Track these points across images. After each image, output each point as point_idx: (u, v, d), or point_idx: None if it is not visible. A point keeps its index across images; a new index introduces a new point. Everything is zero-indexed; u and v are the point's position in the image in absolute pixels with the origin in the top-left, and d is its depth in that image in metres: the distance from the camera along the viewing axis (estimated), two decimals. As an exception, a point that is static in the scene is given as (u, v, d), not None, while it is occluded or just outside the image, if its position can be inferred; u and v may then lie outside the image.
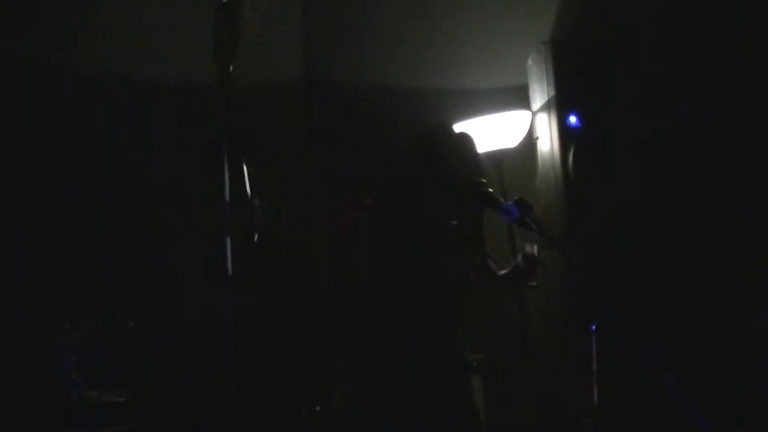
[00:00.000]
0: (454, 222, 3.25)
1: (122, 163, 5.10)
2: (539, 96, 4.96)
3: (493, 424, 4.66)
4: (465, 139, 3.54)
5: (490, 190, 3.29)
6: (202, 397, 4.98)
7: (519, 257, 3.45)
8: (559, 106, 4.82)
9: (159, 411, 4.81)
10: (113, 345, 4.30)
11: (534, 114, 5.00)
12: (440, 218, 3.28)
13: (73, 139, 4.97)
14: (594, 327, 3.40)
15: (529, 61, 5.07)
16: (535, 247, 3.43)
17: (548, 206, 4.77)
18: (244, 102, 5.45)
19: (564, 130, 4.80)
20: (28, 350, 4.21)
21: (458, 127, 4.96)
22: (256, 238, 2.87)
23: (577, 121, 4.78)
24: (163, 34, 5.32)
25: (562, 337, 4.36)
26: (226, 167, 2.63)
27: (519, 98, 5.12)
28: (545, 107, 4.90)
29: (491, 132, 4.90)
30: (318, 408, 4.47)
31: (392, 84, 5.44)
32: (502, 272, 3.49)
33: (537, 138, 4.98)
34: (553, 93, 4.86)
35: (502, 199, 3.28)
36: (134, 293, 4.84)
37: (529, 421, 4.42)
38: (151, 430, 4.70)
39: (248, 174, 2.79)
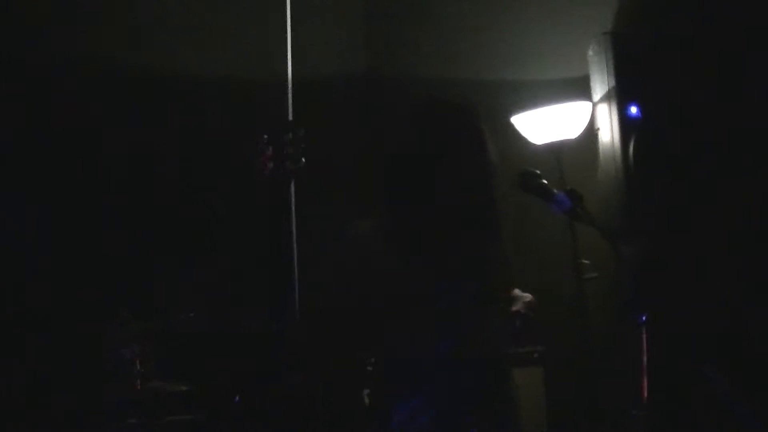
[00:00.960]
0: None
1: (171, 156, 5.21)
2: (600, 87, 4.93)
3: (555, 416, 4.69)
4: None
5: (544, 181, 3.29)
6: (263, 388, 5.06)
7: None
8: (620, 97, 4.80)
9: (221, 401, 4.90)
10: (176, 335, 4.39)
11: (594, 105, 4.98)
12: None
13: (126, 132, 5.09)
14: (644, 319, 3.38)
15: (590, 52, 5.04)
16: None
17: (608, 197, 4.75)
18: (304, 95, 5.57)
19: (625, 122, 4.77)
20: (92, 340, 4.31)
21: (517, 119, 5.01)
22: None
23: (638, 111, 4.75)
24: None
25: (614, 329, 4.34)
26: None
27: (579, 89, 5.09)
28: (606, 98, 4.87)
29: (552, 124, 4.89)
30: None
31: (453, 76, 5.46)
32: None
33: (598, 129, 4.95)
34: (613, 84, 4.83)
35: (554, 190, 3.27)
36: (195, 285, 4.93)
37: (585, 413, 4.42)
38: (213, 420, 4.79)
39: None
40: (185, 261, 5.06)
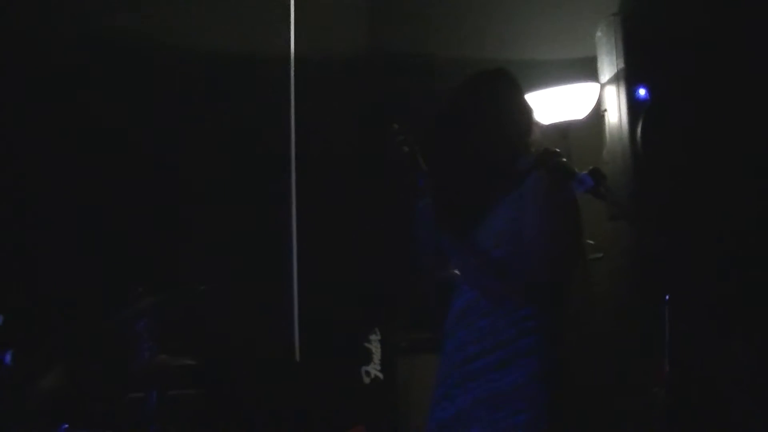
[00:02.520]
0: None
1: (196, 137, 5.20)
2: (608, 68, 4.94)
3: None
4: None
5: (563, 159, 3.29)
6: (268, 364, 5.07)
7: None
8: (628, 78, 4.80)
9: (227, 375, 4.90)
10: (185, 309, 4.38)
11: (602, 86, 4.98)
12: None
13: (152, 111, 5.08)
14: (667, 298, 3.39)
15: (598, 33, 5.05)
16: None
17: (615, 178, 4.76)
18: (308, 75, 5.56)
19: (632, 103, 4.78)
20: (103, 313, 4.29)
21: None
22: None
23: (646, 93, 4.75)
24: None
25: (629, 308, 4.36)
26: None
27: (587, 70, 5.09)
28: (614, 80, 4.88)
29: (559, 104, 4.90)
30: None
31: (459, 56, 5.44)
32: None
33: (605, 110, 4.96)
34: (622, 65, 4.83)
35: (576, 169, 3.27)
36: (207, 260, 4.93)
37: (599, 393, 4.43)
38: (219, 394, 4.79)
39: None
40: (198, 236, 5.05)
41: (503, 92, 3.07)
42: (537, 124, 3.13)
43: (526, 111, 3.07)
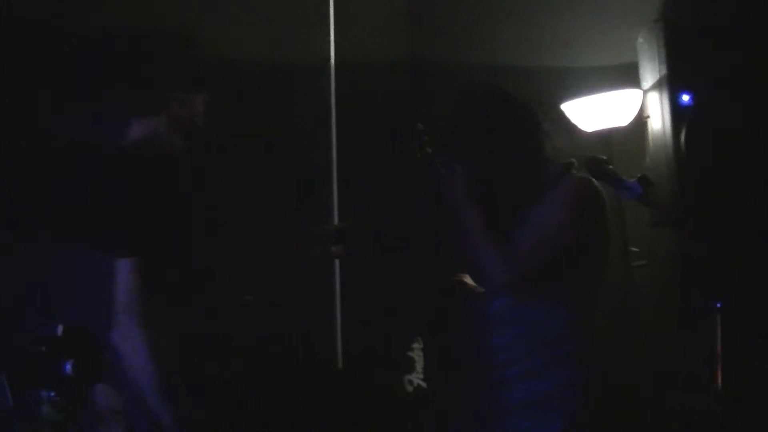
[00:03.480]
0: None
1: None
2: (650, 74, 4.91)
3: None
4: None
5: (610, 166, 3.29)
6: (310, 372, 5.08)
7: None
8: (671, 84, 4.78)
9: (270, 383, 4.91)
10: (231, 318, 4.40)
11: (645, 93, 4.97)
12: None
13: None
14: (719, 305, 3.37)
15: (640, 39, 5.03)
16: None
17: (659, 185, 4.74)
18: (351, 79, 5.57)
19: (676, 109, 4.76)
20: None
21: (567, 106, 5.01)
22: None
23: (690, 99, 4.73)
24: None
25: (677, 315, 4.34)
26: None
27: (628, 77, 5.07)
28: (656, 86, 4.86)
29: (601, 111, 4.89)
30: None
31: (498, 62, 5.44)
32: None
33: (647, 117, 4.94)
34: (665, 71, 4.81)
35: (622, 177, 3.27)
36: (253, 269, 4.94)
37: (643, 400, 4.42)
38: (261, 402, 4.80)
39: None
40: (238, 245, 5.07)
41: (492, 113, 3.04)
42: (566, 131, 3.12)
43: (527, 124, 3.03)
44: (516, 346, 2.83)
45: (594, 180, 2.93)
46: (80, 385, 2.49)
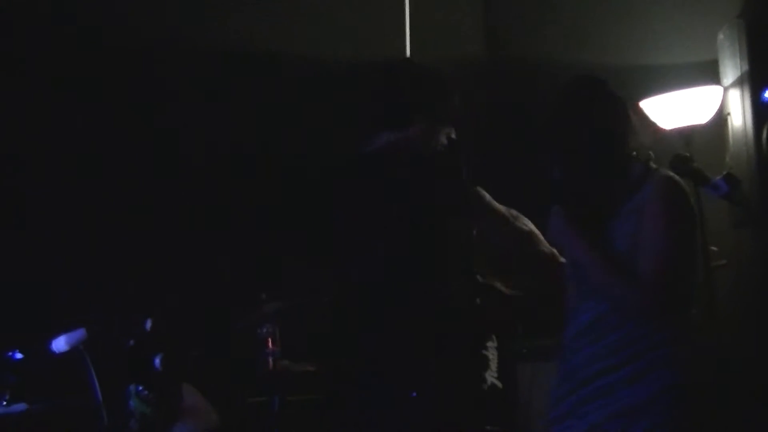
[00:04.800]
0: None
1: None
2: (731, 71, 4.86)
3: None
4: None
5: (695, 164, 3.24)
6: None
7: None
8: (753, 81, 4.70)
9: (345, 383, 4.92)
10: (307, 316, 4.43)
11: (725, 89, 4.90)
12: None
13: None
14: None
15: (720, 36, 4.97)
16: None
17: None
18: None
19: (757, 106, 4.68)
20: (230, 320, 4.39)
21: (646, 103, 4.95)
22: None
23: (772, 96, 4.66)
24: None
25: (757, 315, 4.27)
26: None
27: (708, 74, 5.01)
28: (737, 83, 4.79)
29: (681, 108, 4.83)
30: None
31: (579, 60, 5.40)
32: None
33: (728, 114, 4.87)
34: (746, 68, 4.74)
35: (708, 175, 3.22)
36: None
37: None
38: (336, 400, 4.82)
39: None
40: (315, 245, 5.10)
41: (591, 105, 3.01)
42: (650, 128, 3.08)
43: (620, 119, 2.99)
44: (615, 353, 2.80)
45: (680, 178, 2.89)
46: (168, 380, 2.52)
